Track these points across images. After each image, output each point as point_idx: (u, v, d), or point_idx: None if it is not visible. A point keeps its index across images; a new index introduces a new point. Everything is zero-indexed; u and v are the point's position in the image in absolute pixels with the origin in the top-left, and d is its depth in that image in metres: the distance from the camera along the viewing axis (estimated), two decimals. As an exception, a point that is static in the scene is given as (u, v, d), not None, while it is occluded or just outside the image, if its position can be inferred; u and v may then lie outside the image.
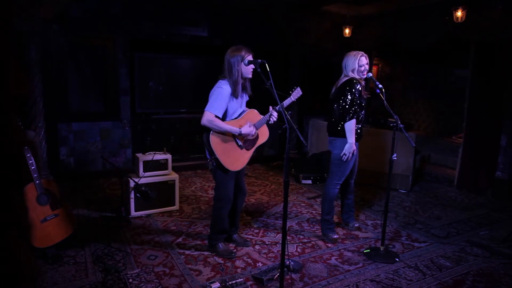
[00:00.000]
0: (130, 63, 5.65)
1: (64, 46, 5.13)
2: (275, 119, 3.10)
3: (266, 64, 2.63)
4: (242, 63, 2.92)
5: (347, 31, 6.71)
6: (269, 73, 2.54)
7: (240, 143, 3.06)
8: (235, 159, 3.05)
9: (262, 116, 3.14)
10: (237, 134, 2.97)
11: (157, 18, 5.67)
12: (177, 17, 5.83)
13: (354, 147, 3.37)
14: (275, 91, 2.57)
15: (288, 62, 7.03)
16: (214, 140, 2.94)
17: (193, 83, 6.27)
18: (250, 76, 3.02)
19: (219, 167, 3.03)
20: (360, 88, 3.38)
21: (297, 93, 3.27)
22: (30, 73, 4.54)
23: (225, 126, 2.93)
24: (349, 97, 3.34)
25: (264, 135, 3.24)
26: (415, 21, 6.18)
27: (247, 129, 3.00)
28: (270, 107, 3.10)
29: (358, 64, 3.36)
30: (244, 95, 3.17)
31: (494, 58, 5.07)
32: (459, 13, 5.02)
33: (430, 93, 7.97)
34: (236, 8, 6.28)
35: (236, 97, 3.03)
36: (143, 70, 5.82)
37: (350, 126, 3.35)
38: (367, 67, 3.37)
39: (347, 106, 3.34)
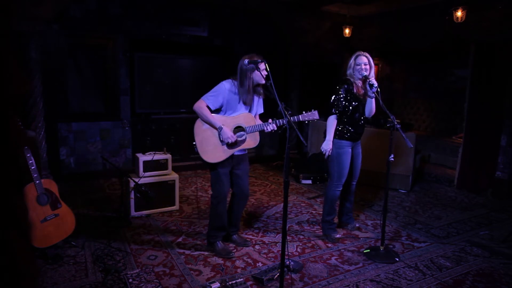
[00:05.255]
0: (130, 63, 5.65)
1: (64, 46, 5.13)
2: (270, 129, 3.00)
3: (266, 64, 2.63)
4: (255, 71, 2.97)
5: (347, 31, 6.71)
6: (269, 73, 2.54)
7: (222, 138, 3.07)
8: (210, 150, 3.06)
9: (257, 123, 3.10)
10: (217, 127, 3.01)
11: (157, 18, 5.67)
12: (177, 17, 5.83)
13: (331, 145, 3.43)
14: (275, 92, 2.57)
15: (288, 62, 7.03)
16: (198, 124, 3.09)
17: (193, 83, 6.27)
18: (263, 82, 3.03)
19: (207, 163, 3.08)
20: (348, 88, 3.41)
21: (311, 115, 3.03)
22: (30, 73, 4.55)
23: (210, 117, 3.01)
24: (333, 95, 3.47)
25: (252, 141, 3.13)
26: (415, 21, 6.18)
27: (227, 132, 2.98)
28: (270, 120, 3.05)
29: (355, 62, 3.37)
30: (255, 100, 3.16)
31: (494, 58, 5.07)
32: (459, 13, 5.02)
33: (430, 93, 7.97)
34: (236, 8, 6.28)
35: (246, 104, 3.08)
36: (143, 70, 5.82)
37: (329, 121, 3.45)
38: (363, 67, 3.34)
39: (330, 102, 3.47)
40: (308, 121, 3.07)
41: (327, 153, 3.45)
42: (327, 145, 3.44)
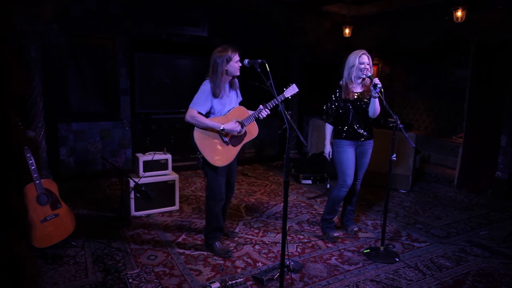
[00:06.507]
0: (130, 63, 5.65)
1: (64, 46, 5.13)
2: (264, 115, 3.10)
3: (266, 64, 2.63)
4: (230, 63, 2.97)
5: (347, 31, 6.70)
6: (269, 73, 2.54)
7: (225, 139, 3.06)
8: (220, 155, 3.05)
9: (250, 113, 3.14)
10: (219, 129, 2.99)
11: (157, 18, 5.67)
12: (177, 17, 5.83)
13: (329, 148, 3.56)
14: (275, 91, 2.57)
15: (287, 62, 7.03)
16: (197, 136, 3.00)
17: (193, 83, 6.25)
18: (238, 73, 3.05)
19: (206, 163, 3.04)
20: (335, 97, 3.48)
21: (292, 89, 3.15)
22: (30, 73, 4.54)
23: (207, 122, 2.98)
24: (327, 103, 3.58)
25: (252, 132, 3.22)
26: (415, 21, 6.17)
27: (230, 125, 3.01)
28: (260, 106, 3.10)
29: (358, 61, 3.33)
30: (234, 92, 3.20)
31: (494, 58, 5.07)
32: (459, 13, 5.01)
33: (430, 93, 7.97)
34: (236, 8, 6.28)
35: (217, 97, 3.03)
36: (143, 70, 5.82)
37: (325, 129, 3.61)
38: (367, 66, 3.33)
39: (323, 109, 3.60)
40: (292, 96, 3.17)
41: (327, 156, 3.58)
42: (326, 149, 3.60)
